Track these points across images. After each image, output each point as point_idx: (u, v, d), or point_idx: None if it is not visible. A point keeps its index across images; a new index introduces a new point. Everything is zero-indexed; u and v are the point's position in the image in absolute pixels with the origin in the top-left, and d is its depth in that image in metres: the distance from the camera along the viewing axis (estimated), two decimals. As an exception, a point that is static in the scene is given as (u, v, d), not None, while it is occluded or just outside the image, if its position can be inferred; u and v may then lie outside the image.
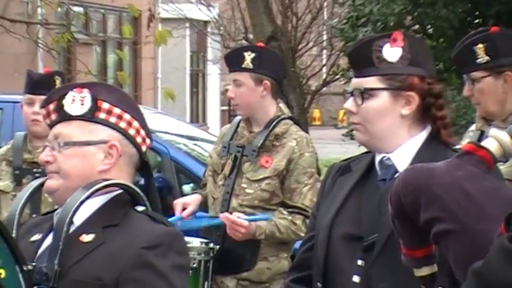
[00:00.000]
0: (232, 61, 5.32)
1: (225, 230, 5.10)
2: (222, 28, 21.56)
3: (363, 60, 3.25)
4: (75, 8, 15.84)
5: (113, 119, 2.96)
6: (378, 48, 3.24)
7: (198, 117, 27.80)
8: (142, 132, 3.01)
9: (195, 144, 9.19)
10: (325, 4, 21.33)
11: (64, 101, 2.95)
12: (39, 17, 12.61)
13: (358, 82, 3.27)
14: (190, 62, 27.20)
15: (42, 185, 3.08)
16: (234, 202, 5.24)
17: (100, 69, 19.41)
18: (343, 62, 19.11)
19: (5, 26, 9.48)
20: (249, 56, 5.24)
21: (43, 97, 5.13)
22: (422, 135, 3.27)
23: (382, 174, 3.28)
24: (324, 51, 22.39)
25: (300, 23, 20.13)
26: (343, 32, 11.45)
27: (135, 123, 2.99)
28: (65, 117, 2.95)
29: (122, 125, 2.96)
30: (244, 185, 5.25)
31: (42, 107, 3.05)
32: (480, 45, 4.43)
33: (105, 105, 2.95)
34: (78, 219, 2.87)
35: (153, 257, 2.80)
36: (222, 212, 5.19)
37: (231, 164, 5.29)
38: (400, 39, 3.25)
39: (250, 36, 20.41)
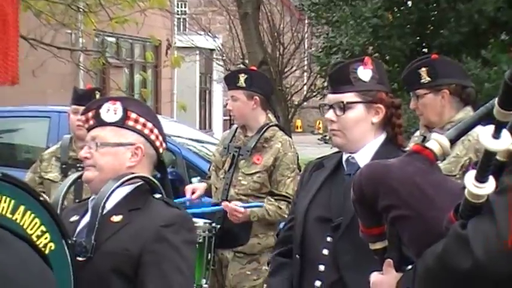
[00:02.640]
0: (230, 81, 5.32)
1: (224, 213, 5.09)
2: (224, 55, 21.55)
3: (341, 79, 3.24)
4: (109, 38, 15.84)
5: (139, 126, 2.95)
6: (353, 70, 3.23)
7: (205, 125, 27.70)
8: (160, 137, 3.01)
9: (202, 146, 9.16)
10: (306, 36, 21.33)
11: (101, 110, 2.95)
12: (80, 45, 12.58)
13: (336, 97, 3.25)
14: (199, 82, 27.09)
15: (80, 176, 3.09)
16: (232, 191, 5.22)
17: (128, 87, 19.32)
18: (319, 82, 19.12)
19: (53, 52, 9.46)
20: (242, 77, 5.22)
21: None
22: (380, 139, 3.27)
23: (348, 170, 3.27)
24: (305, 74, 22.37)
25: (286, 51, 20.12)
26: (319, 59, 11.41)
27: (155, 131, 2.99)
28: (101, 123, 2.95)
29: (146, 131, 2.96)
30: (240, 178, 5.23)
31: (82, 114, 3.05)
32: (423, 69, 4.39)
33: (133, 115, 2.95)
34: (110, 204, 2.87)
35: (169, 233, 2.79)
36: (222, 199, 5.18)
37: (230, 161, 5.27)
38: (370, 63, 3.26)
39: (246, 61, 20.41)
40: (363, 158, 3.23)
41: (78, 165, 5.19)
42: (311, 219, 3.24)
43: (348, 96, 3.23)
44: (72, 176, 3.12)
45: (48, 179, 5.19)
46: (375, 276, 2.14)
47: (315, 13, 11.78)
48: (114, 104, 2.95)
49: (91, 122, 2.97)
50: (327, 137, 14.65)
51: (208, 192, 5.41)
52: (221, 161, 5.35)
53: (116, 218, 2.84)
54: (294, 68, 20.85)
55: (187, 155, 8.29)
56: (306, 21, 20.06)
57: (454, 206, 1.94)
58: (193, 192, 5.33)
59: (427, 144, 2.18)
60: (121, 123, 2.94)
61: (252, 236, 5.19)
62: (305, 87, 21.17)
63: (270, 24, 19.58)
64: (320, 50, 11.76)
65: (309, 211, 3.25)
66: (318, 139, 13.42)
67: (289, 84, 20.36)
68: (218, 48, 22.19)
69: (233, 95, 5.25)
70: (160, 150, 3.01)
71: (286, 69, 19.36)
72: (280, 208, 5.16)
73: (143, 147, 2.94)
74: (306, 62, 22.09)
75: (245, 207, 5.06)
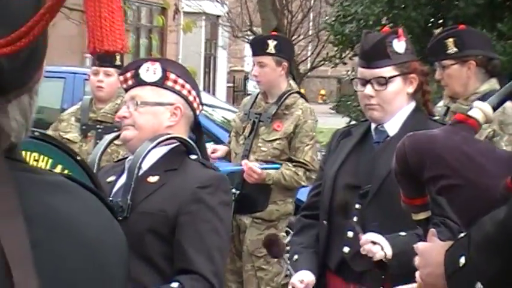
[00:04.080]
0: (258, 47, 5.30)
1: (243, 179, 5.13)
2: (231, 21, 21.50)
3: (378, 54, 3.25)
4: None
5: (177, 87, 2.96)
6: (389, 44, 3.25)
7: (209, 91, 27.70)
8: (198, 99, 3.02)
9: (213, 110, 9.12)
10: (312, 4, 21.26)
11: (140, 70, 2.95)
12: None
13: (374, 72, 3.26)
14: (204, 47, 27.04)
15: (116, 137, 3.09)
16: (252, 157, 5.26)
17: (134, 51, 19.31)
18: (327, 51, 19.12)
19: (65, 13, 9.48)
20: (272, 43, 5.22)
21: (105, 69, 5.23)
22: (410, 107, 3.30)
23: (377, 138, 3.30)
24: (310, 43, 22.33)
25: (294, 19, 20.08)
26: (333, 27, 11.41)
27: (193, 92, 2.99)
28: (140, 82, 2.94)
29: (184, 92, 2.96)
30: (260, 144, 5.27)
31: (120, 74, 3.05)
32: (450, 39, 4.39)
33: (172, 76, 2.95)
34: (146, 164, 2.87)
35: (205, 194, 2.79)
36: (241, 165, 5.20)
37: (250, 127, 5.31)
38: (403, 34, 3.28)
39: (254, 28, 20.35)
40: (393, 126, 3.27)
41: (97, 126, 5.23)
42: (339, 185, 3.28)
43: (387, 71, 3.25)
44: (108, 137, 3.11)
45: (67, 139, 5.23)
46: (422, 245, 2.12)
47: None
48: (153, 64, 2.95)
49: (130, 82, 2.97)
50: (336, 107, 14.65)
51: (228, 157, 5.46)
52: (241, 127, 5.38)
53: (152, 179, 2.85)
54: (301, 37, 20.81)
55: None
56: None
57: (505, 172, 1.95)
58: (212, 152, 5.34)
59: (470, 113, 2.19)
60: (160, 83, 2.94)
61: (271, 203, 5.22)
62: (312, 56, 21.15)
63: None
64: (333, 18, 11.73)
65: (338, 178, 3.29)
66: (330, 108, 13.42)
67: (296, 53, 20.34)
68: (225, 15, 22.13)
69: (261, 61, 5.24)
70: (197, 112, 3.02)
71: (293, 38, 19.32)
72: (297, 174, 5.20)
73: (182, 108, 2.95)
74: (311, 31, 22.04)
75: (262, 168, 5.09)
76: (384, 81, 3.24)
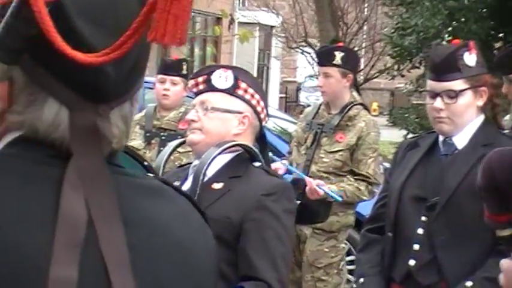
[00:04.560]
0: (325, 58, 5.31)
1: (304, 189, 5.14)
2: (286, 32, 21.55)
3: (449, 67, 3.24)
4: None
5: (247, 96, 2.98)
6: (460, 57, 3.23)
7: (261, 102, 27.72)
8: (265, 110, 3.03)
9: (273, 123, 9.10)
10: (368, 16, 21.23)
11: (212, 76, 2.97)
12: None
13: (445, 85, 3.25)
14: (257, 58, 27.14)
15: (181, 143, 3.13)
16: (313, 167, 5.25)
17: (196, 60, 19.44)
18: (380, 63, 19.05)
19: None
20: (338, 55, 5.23)
21: (172, 77, 5.30)
22: (479, 120, 3.28)
23: (444, 151, 3.29)
24: (364, 55, 22.28)
25: (349, 31, 20.07)
26: (391, 39, 11.38)
27: (261, 103, 3.01)
28: (211, 88, 2.96)
29: (253, 102, 2.98)
30: (321, 155, 5.27)
31: (192, 78, 3.07)
32: None
33: (243, 85, 2.98)
34: (211, 171, 2.88)
35: (269, 202, 2.80)
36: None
37: (312, 138, 5.31)
38: (474, 47, 3.27)
39: (309, 39, 20.38)
40: (461, 139, 3.26)
41: (161, 133, 5.29)
42: (406, 197, 3.27)
43: (457, 84, 3.24)
44: (173, 143, 3.15)
45: (131, 146, 5.28)
46: (506, 263, 2.08)
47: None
48: (226, 72, 2.98)
49: (201, 87, 2.99)
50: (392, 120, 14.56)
51: (287, 171, 5.46)
52: (303, 137, 5.38)
53: (217, 186, 2.86)
54: (356, 49, 20.79)
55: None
56: (374, 1, 19.96)
57: None
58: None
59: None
60: (231, 91, 2.96)
61: (331, 214, 5.18)
62: (366, 68, 21.11)
63: (334, 4, 19.55)
64: (392, 30, 11.70)
65: (404, 189, 3.28)
66: (387, 120, 13.35)
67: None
68: (279, 25, 22.18)
69: (327, 71, 5.25)
70: (263, 123, 3.04)
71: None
72: (359, 189, 5.18)
73: (250, 117, 2.96)
74: (365, 43, 21.99)
75: (324, 192, 5.08)
76: (454, 95, 3.23)
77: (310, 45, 20.05)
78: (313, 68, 19.72)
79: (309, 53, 20.00)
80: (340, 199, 5.01)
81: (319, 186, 5.01)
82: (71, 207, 1.10)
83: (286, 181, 2.97)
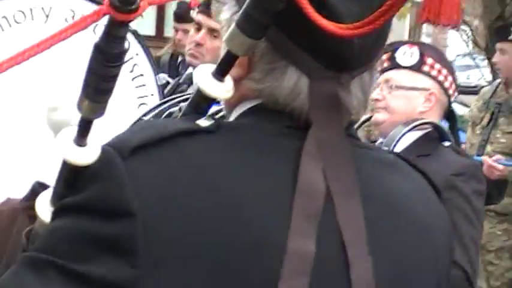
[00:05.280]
0: (500, 34, 5.20)
1: (480, 170, 5.01)
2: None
3: None
4: None
5: (434, 72, 2.93)
6: None
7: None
8: (453, 85, 2.97)
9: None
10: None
11: (396, 54, 2.95)
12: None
13: None
14: (408, 35, 26.56)
15: (365, 121, 3.07)
16: (489, 148, 5.14)
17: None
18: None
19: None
20: None
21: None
22: None
23: None
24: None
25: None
26: None
27: (449, 78, 2.96)
28: (395, 65, 2.94)
29: (440, 78, 2.94)
30: (498, 135, 5.14)
31: None
32: None
33: (429, 61, 2.93)
34: (398, 148, 2.82)
35: (459, 182, 2.75)
36: (477, 155, 5.08)
37: (489, 117, 5.18)
38: None
39: (465, 17, 19.71)
40: None
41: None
42: None
43: None
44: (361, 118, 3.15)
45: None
46: None
47: None
48: (411, 48, 2.95)
49: (385, 64, 2.96)
50: None
51: None
52: (479, 117, 5.27)
53: None
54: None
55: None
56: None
57: None
58: None
59: None
60: (417, 68, 2.92)
61: (506, 195, 5.08)
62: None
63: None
64: None
65: None
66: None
67: None
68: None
69: (503, 47, 5.13)
70: (452, 98, 2.99)
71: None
72: None
73: (437, 94, 2.92)
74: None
75: (505, 165, 4.96)
76: None
77: (465, 22, 19.45)
78: (467, 45, 19.18)
79: (465, 31, 19.43)
80: None
81: (497, 162, 4.89)
82: (310, 179, 1.10)
83: (476, 161, 2.90)
